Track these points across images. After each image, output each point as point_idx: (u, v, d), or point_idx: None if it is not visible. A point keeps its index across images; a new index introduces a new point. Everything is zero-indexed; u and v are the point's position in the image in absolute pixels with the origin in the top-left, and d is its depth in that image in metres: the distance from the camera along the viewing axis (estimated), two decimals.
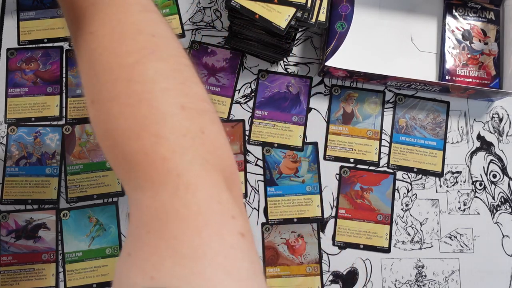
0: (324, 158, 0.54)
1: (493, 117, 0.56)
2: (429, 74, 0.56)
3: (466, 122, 0.56)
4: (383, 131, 0.55)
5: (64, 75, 0.54)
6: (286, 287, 0.50)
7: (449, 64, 0.56)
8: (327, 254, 0.52)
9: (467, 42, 0.56)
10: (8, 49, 0.54)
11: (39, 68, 0.54)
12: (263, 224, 0.52)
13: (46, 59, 0.54)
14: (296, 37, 0.56)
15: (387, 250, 0.52)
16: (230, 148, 0.27)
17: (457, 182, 0.54)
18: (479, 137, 0.55)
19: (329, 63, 0.52)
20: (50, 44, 0.55)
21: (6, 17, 0.55)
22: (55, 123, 0.53)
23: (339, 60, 0.53)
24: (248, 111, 0.54)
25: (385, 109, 0.55)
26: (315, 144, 0.54)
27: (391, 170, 0.54)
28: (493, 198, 0.54)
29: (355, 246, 0.52)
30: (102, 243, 0.50)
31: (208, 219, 0.22)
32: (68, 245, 0.50)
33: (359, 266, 0.52)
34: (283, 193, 0.53)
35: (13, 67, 0.54)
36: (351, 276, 0.51)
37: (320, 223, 0.52)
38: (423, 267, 0.52)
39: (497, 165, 0.55)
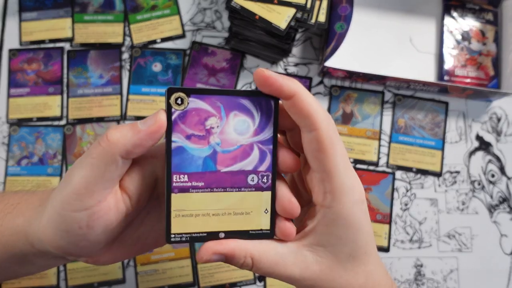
0: None
1: (491, 117, 0.57)
2: (428, 74, 0.56)
3: (465, 122, 0.56)
4: (382, 131, 0.55)
5: (65, 76, 0.55)
6: (286, 285, 0.51)
7: (448, 64, 0.56)
8: None
9: (466, 43, 0.57)
10: (10, 50, 0.54)
11: (40, 68, 0.54)
12: None
13: (47, 60, 0.55)
14: (296, 38, 0.56)
15: (386, 249, 0.52)
16: None
17: (455, 181, 0.55)
18: (478, 137, 0.56)
19: (328, 63, 0.52)
20: (52, 45, 0.55)
21: (8, 18, 0.56)
22: (56, 123, 0.53)
23: (339, 60, 0.53)
24: None
25: (384, 109, 0.56)
26: None
27: (390, 170, 0.54)
28: (491, 197, 0.54)
29: None
30: None
31: None
32: None
33: None
34: None
35: (15, 67, 0.54)
36: None
37: None
38: (422, 266, 0.52)
39: (495, 164, 0.55)
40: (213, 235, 0.28)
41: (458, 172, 0.55)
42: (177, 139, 0.27)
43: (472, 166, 0.55)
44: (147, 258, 0.50)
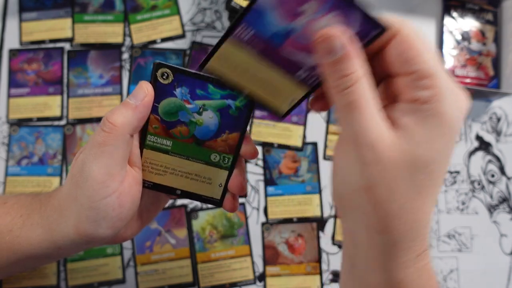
0: (324, 158, 0.54)
1: (491, 117, 0.57)
2: None
3: (465, 122, 0.56)
4: None
5: (65, 76, 0.55)
6: (286, 286, 0.51)
7: (448, 65, 0.56)
8: (327, 253, 0.52)
9: (466, 43, 0.57)
10: (10, 50, 0.55)
11: (40, 68, 0.54)
12: (263, 224, 0.52)
13: (47, 60, 0.55)
14: None
15: None
16: None
17: (455, 181, 0.55)
18: (478, 137, 0.56)
19: None
20: (52, 45, 0.55)
21: (8, 18, 0.56)
22: (56, 123, 0.53)
23: None
24: None
25: None
26: (314, 144, 0.55)
27: None
28: (491, 197, 0.54)
29: None
30: None
31: None
32: None
33: None
34: (283, 193, 0.53)
35: (15, 67, 0.54)
36: None
37: (320, 222, 0.53)
38: None
39: (495, 165, 0.55)
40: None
41: (458, 172, 0.55)
42: None
43: (472, 166, 0.55)
44: (147, 258, 0.50)
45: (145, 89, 0.29)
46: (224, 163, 0.32)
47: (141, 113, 0.29)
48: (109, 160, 0.29)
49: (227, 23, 0.57)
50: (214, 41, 0.56)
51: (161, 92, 0.30)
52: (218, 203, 0.34)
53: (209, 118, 0.31)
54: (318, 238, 0.52)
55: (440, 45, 0.57)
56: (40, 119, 0.53)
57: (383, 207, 0.24)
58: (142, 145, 0.32)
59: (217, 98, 0.31)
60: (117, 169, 0.29)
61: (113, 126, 0.28)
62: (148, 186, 0.33)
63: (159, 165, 0.32)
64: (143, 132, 0.31)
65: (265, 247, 0.52)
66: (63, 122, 0.53)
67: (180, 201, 0.52)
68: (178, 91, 0.30)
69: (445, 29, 0.57)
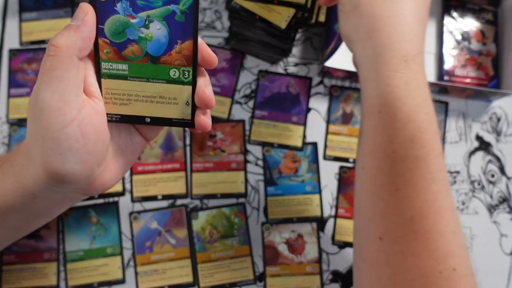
0: (324, 158, 0.54)
1: (491, 117, 0.57)
2: (428, 74, 0.56)
3: (465, 122, 0.56)
4: None
5: None
6: (286, 286, 0.51)
7: (448, 64, 0.56)
8: (327, 253, 0.52)
9: (466, 43, 0.57)
10: (10, 50, 0.55)
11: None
12: (263, 224, 0.52)
13: None
14: (296, 38, 0.56)
15: None
16: None
17: (455, 181, 0.55)
18: (478, 137, 0.56)
19: (328, 63, 0.52)
20: None
21: (8, 18, 0.56)
22: None
23: (339, 60, 0.53)
24: (248, 111, 0.55)
25: None
26: (314, 144, 0.55)
27: None
28: (491, 197, 0.54)
29: None
30: (103, 242, 0.50)
31: None
32: (69, 244, 0.50)
33: None
34: (283, 193, 0.53)
35: (15, 67, 0.54)
36: (351, 275, 0.52)
37: (320, 222, 0.53)
38: None
39: (495, 165, 0.55)
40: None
41: (458, 172, 0.55)
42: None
43: (472, 166, 0.55)
44: (147, 258, 0.50)
45: (85, 9, 0.29)
46: (185, 78, 0.31)
47: (84, 32, 0.28)
48: (60, 86, 0.28)
49: (227, 23, 0.57)
50: (214, 41, 0.56)
51: (103, 12, 0.29)
52: (190, 124, 0.33)
53: (157, 30, 0.30)
54: (318, 238, 0.52)
55: (440, 45, 0.57)
56: None
57: (367, 15, 0.33)
58: (99, 75, 0.31)
59: (159, 6, 0.30)
60: (71, 96, 0.28)
61: (56, 48, 0.28)
62: (116, 119, 0.32)
63: (121, 94, 0.31)
64: (97, 61, 0.31)
65: (265, 247, 0.52)
66: None
67: (180, 201, 0.52)
68: (119, 6, 0.29)
69: (445, 29, 0.57)
